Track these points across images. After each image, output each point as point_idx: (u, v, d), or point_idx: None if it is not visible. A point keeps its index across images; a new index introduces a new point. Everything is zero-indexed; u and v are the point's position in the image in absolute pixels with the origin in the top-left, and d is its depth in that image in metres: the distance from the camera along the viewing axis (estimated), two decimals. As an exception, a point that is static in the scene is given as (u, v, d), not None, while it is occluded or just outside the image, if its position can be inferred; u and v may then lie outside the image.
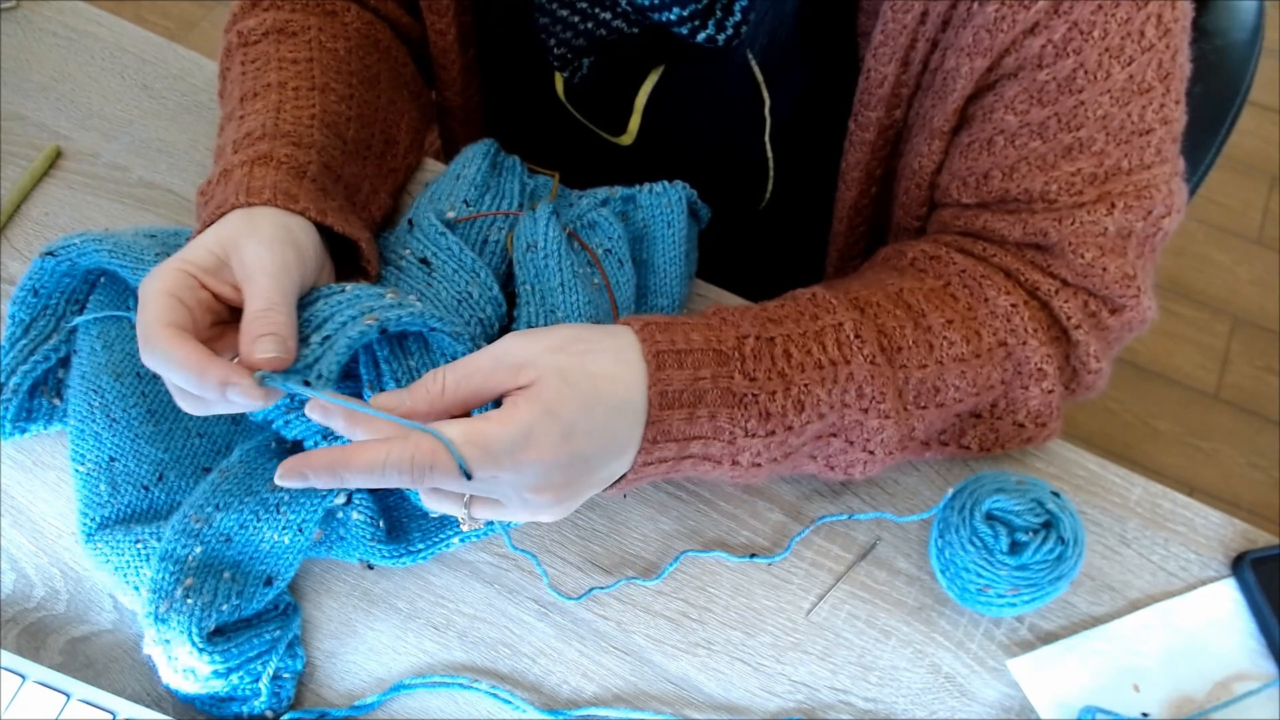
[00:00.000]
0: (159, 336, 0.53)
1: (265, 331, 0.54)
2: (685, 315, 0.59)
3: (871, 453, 0.62)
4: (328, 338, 0.56)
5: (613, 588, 0.66)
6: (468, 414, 0.55)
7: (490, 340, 0.67)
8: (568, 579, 0.66)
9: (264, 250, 0.57)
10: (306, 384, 0.54)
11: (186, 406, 0.56)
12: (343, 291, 0.59)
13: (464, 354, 0.61)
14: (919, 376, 0.61)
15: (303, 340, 0.56)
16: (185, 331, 0.54)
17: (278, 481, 0.51)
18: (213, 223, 0.60)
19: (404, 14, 0.81)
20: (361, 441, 0.52)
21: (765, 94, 0.74)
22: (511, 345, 0.54)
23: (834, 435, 0.61)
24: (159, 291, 0.55)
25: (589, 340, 0.55)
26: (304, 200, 0.61)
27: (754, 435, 0.57)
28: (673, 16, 0.68)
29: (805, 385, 0.58)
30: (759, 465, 0.59)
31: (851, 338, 0.59)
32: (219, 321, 0.58)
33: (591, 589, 0.66)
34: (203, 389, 0.53)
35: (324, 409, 0.54)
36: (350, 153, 0.69)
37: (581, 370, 0.53)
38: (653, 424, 0.55)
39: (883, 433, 0.61)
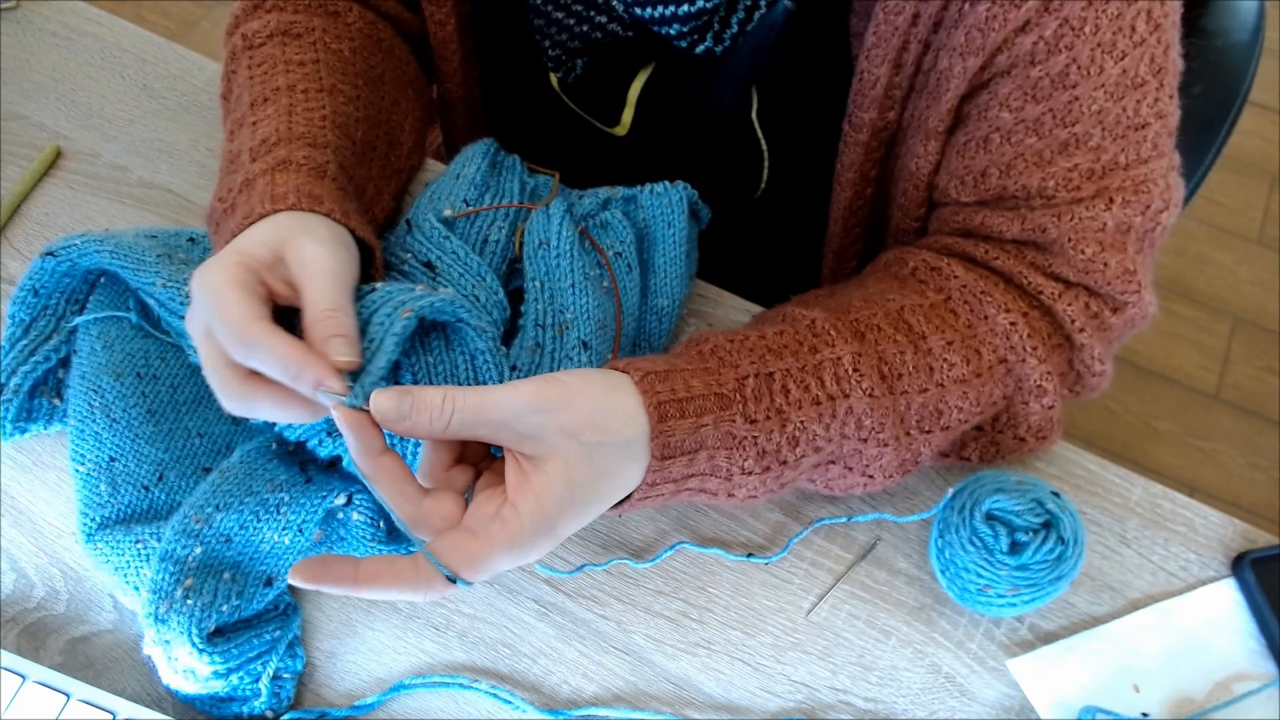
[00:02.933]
0: (257, 331, 0.52)
1: (336, 333, 0.54)
2: (682, 358, 0.58)
3: (871, 476, 0.62)
4: (372, 340, 0.56)
5: (606, 565, 0.66)
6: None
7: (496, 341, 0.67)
8: (566, 577, 0.66)
9: (324, 249, 0.57)
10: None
11: (230, 406, 0.55)
12: (373, 290, 0.59)
13: (485, 351, 0.61)
14: (920, 401, 0.61)
15: None
16: (275, 325, 0.53)
17: (291, 580, 0.51)
18: (241, 231, 0.59)
19: (404, 10, 0.80)
20: (376, 563, 0.51)
21: (754, 95, 0.74)
22: (525, 412, 0.51)
23: (832, 463, 0.61)
24: (232, 285, 0.54)
25: (605, 430, 0.53)
26: (328, 202, 0.61)
27: (750, 473, 0.58)
28: (672, 31, 0.68)
29: (802, 422, 0.58)
30: (754, 497, 0.59)
31: (850, 372, 0.59)
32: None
33: (584, 565, 0.66)
34: (297, 384, 0.52)
35: (345, 423, 0.52)
36: (359, 154, 0.69)
37: (590, 472, 0.52)
38: (653, 471, 0.55)
39: (881, 459, 0.61)
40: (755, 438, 0.57)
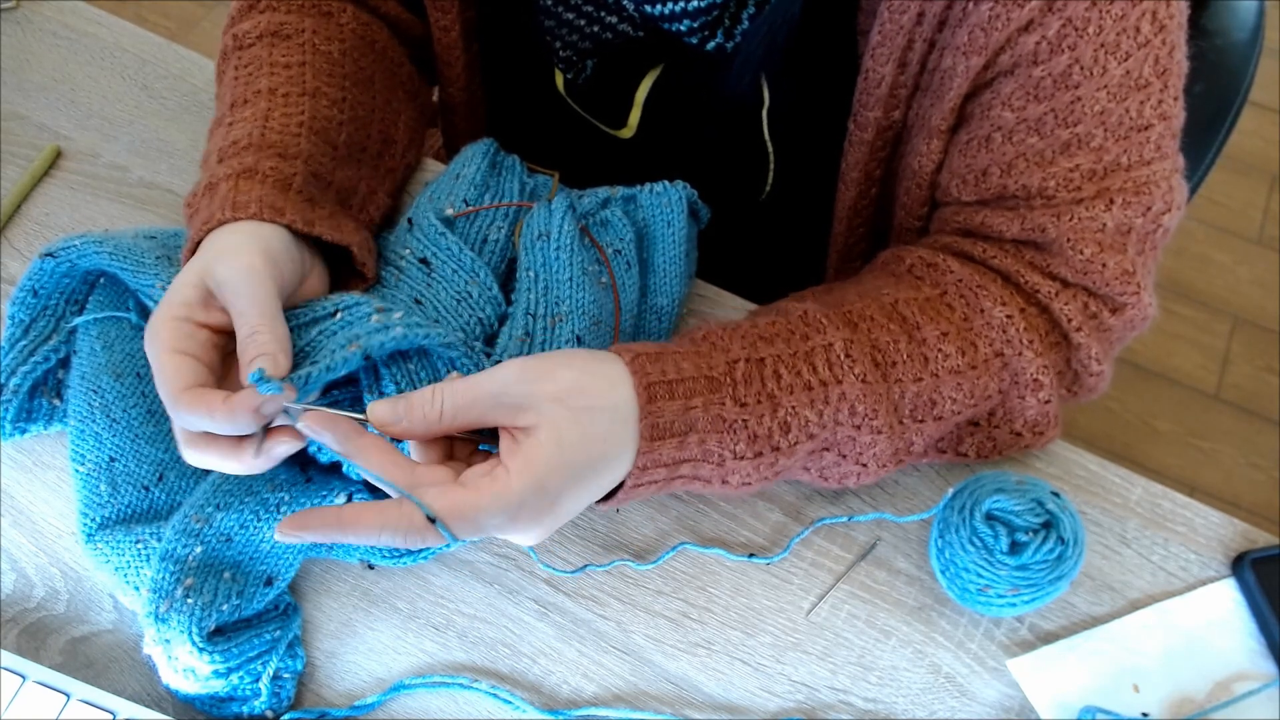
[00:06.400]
0: (182, 401, 0.54)
1: (254, 354, 0.55)
2: (674, 343, 0.59)
3: (864, 465, 0.62)
4: (315, 363, 0.57)
5: (608, 566, 0.66)
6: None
7: (488, 340, 0.67)
8: (567, 578, 0.66)
9: (229, 271, 0.57)
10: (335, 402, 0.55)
11: (187, 456, 0.56)
12: (333, 317, 0.60)
13: (458, 359, 0.61)
14: (914, 390, 0.61)
15: (296, 368, 0.57)
16: (203, 386, 0.55)
17: (276, 538, 0.53)
18: (200, 239, 0.61)
19: (404, 12, 0.80)
20: (359, 506, 0.53)
21: (765, 92, 0.74)
22: (513, 383, 0.53)
23: (827, 450, 0.62)
24: (167, 352, 0.55)
25: (591, 393, 0.54)
26: (290, 213, 0.62)
27: (742, 458, 0.58)
28: (684, 28, 0.68)
29: (793, 407, 0.58)
30: (749, 484, 0.60)
31: (842, 357, 0.59)
32: (226, 349, 0.58)
33: (586, 565, 0.66)
34: (240, 426, 0.54)
35: (314, 429, 0.54)
36: (342, 158, 0.69)
37: (578, 434, 0.53)
38: (643, 454, 0.55)
39: (875, 447, 0.61)
40: (746, 421, 0.57)
